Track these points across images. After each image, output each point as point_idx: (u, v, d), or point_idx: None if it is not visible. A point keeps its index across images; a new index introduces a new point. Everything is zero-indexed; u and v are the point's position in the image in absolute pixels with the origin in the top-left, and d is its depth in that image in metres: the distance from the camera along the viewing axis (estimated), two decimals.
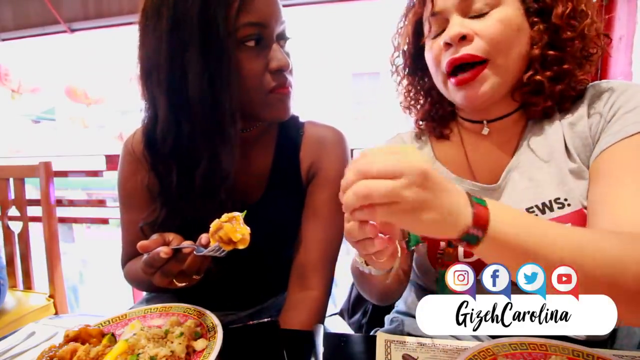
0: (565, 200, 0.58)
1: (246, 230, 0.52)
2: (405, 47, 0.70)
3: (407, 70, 0.73)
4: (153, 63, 0.62)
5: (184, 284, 0.57)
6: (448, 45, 0.59)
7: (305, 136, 0.78)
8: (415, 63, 0.72)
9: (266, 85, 0.64)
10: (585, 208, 0.58)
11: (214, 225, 0.52)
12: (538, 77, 0.58)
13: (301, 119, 0.81)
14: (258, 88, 0.64)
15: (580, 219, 0.57)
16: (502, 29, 0.56)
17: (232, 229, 0.51)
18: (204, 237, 0.53)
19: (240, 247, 0.51)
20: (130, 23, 1.85)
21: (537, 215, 0.59)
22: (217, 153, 0.64)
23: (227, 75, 0.60)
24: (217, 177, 0.65)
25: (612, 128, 0.56)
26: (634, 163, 0.53)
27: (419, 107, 0.75)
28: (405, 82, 0.75)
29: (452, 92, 0.62)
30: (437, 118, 0.72)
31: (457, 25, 0.57)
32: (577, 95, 0.62)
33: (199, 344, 0.54)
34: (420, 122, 0.74)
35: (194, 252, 0.54)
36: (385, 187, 0.38)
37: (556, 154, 0.60)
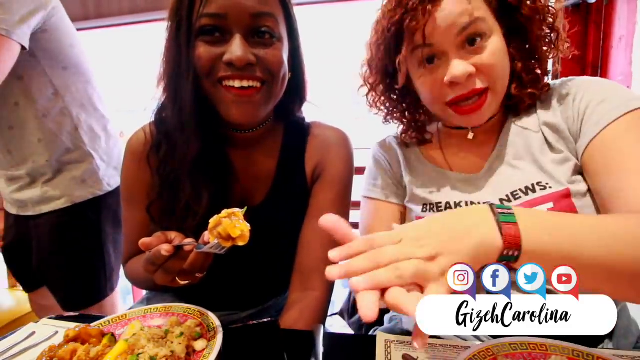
0: (547, 183, 0.61)
1: (246, 226, 0.51)
2: (396, 80, 0.68)
3: (384, 88, 0.73)
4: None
5: (186, 282, 0.57)
6: (454, 84, 0.59)
7: (310, 137, 0.78)
8: (392, 82, 0.71)
9: (215, 72, 0.62)
10: (571, 192, 0.59)
11: (212, 221, 0.51)
12: (527, 88, 0.63)
13: (307, 120, 0.81)
14: (207, 75, 0.63)
15: (563, 198, 0.59)
16: (498, 59, 0.59)
17: (231, 225, 0.49)
18: (206, 235, 0.52)
19: (240, 243, 0.50)
20: (131, 23, 1.85)
21: (520, 197, 0.62)
22: (179, 142, 0.67)
23: (186, 64, 0.62)
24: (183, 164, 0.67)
25: (590, 120, 0.58)
26: (626, 148, 0.54)
27: (399, 117, 0.76)
28: (382, 98, 0.75)
29: (452, 118, 0.64)
30: (418, 128, 0.75)
31: (460, 64, 0.58)
32: (549, 91, 0.67)
33: (199, 344, 0.54)
34: (404, 135, 0.77)
35: (195, 249, 0.53)
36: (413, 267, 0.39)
37: (534, 148, 0.64)
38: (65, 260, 1.06)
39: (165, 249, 0.51)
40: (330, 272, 0.40)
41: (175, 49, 0.64)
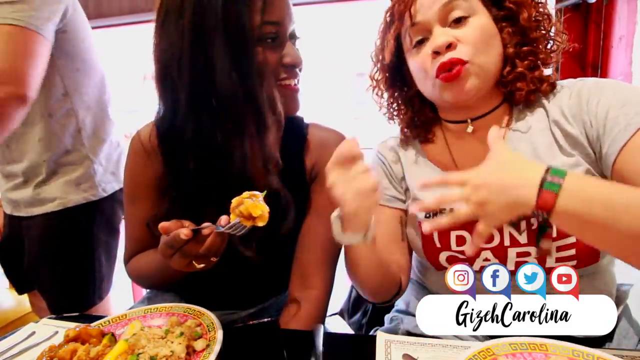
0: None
1: (265, 208, 0.53)
2: (388, 62, 0.71)
3: (388, 83, 0.76)
4: (173, 58, 0.64)
5: (202, 266, 0.58)
6: (436, 53, 0.62)
7: (309, 138, 0.78)
8: (395, 76, 0.74)
9: (277, 76, 0.68)
10: None
11: (235, 200, 0.53)
12: (518, 69, 0.63)
13: (306, 120, 0.81)
14: (270, 79, 0.67)
15: None
16: (481, 35, 0.61)
17: (253, 204, 0.52)
18: (223, 219, 0.55)
19: (260, 224, 0.53)
20: (130, 23, 1.85)
21: None
22: (254, 140, 0.67)
23: (255, 70, 0.64)
24: (234, 167, 0.67)
25: (617, 124, 0.56)
26: None
27: (402, 116, 0.77)
28: (386, 95, 0.77)
29: (440, 92, 0.64)
30: (420, 124, 0.74)
31: (442, 35, 0.61)
32: (555, 91, 0.65)
33: (199, 344, 0.54)
34: (406, 130, 0.76)
35: (215, 229, 0.55)
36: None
37: (541, 151, 0.62)
38: (54, 264, 1.04)
39: (184, 232, 0.53)
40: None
41: (226, 54, 0.63)
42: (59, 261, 1.04)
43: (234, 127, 0.66)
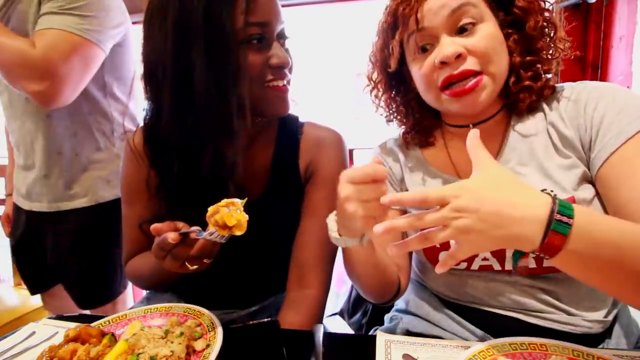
0: (552, 191, 0.59)
1: (243, 216, 0.52)
2: (393, 69, 0.69)
3: (387, 85, 0.74)
4: (158, 59, 0.65)
5: (195, 267, 0.58)
6: (443, 64, 0.60)
7: (303, 136, 0.79)
8: (394, 78, 0.73)
9: (263, 77, 0.67)
10: (575, 200, 0.58)
11: (211, 208, 0.52)
12: (525, 82, 0.62)
13: (301, 120, 0.81)
14: (256, 81, 0.66)
15: None
16: (490, 43, 0.59)
17: (228, 214, 0.51)
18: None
19: (237, 233, 0.51)
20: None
21: None
22: (223, 146, 0.66)
23: (232, 72, 0.63)
24: (222, 169, 0.67)
25: (610, 131, 0.56)
26: None
27: (403, 120, 0.76)
28: (384, 97, 0.76)
29: (447, 103, 0.63)
30: (421, 130, 0.74)
31: (450, 44, 0.59)
32: (555, 94, 0.65)
33: (199, 344, 0.54)
34: (407, 135, 0.76)
35: (196, 235, 0.55)
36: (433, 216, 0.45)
37: (538, 152, 0.62)
38: (85, 258, 1.07)
39: (171, 237, 0.53)
40: (376, 229, 0.46)
41: (204, 56, 0.62)
42: (90, 254, 1.08)
43: (210, 129, 0.65)
